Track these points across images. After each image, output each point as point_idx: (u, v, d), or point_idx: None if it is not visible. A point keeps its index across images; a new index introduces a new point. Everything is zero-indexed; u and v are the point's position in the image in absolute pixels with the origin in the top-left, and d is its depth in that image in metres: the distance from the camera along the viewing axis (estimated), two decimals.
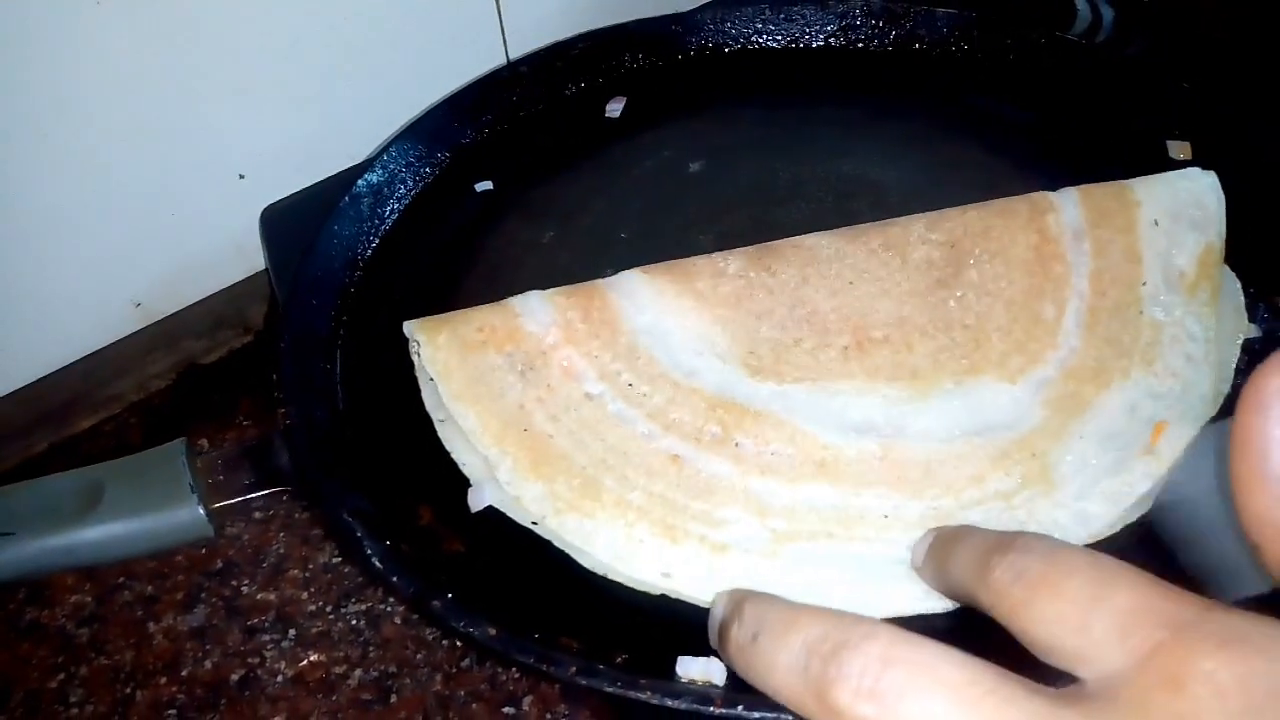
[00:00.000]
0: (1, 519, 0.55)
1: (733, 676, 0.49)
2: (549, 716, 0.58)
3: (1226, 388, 0.60)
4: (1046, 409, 0.59)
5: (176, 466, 0.57)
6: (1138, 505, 0.55)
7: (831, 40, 0.88)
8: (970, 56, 0.86)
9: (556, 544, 0.56)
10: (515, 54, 0.89)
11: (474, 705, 0.59)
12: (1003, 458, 0.57)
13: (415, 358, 0.65)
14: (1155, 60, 0.81)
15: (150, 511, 0.56)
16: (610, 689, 0.47)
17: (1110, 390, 0.59)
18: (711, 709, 0.47)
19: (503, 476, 0.57)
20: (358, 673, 0.61)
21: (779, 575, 0.53)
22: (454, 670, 0.61)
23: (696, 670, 0.50)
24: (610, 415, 0.59)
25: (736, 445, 0.57)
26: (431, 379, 0.62)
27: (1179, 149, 0.75)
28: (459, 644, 0.61)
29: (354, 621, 0.63)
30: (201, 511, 0.56)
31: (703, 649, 0.50)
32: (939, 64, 0.86)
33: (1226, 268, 0.65)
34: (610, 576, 0.54)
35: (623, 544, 0.55)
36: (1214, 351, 0.61)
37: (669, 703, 0.47)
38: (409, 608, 0.63)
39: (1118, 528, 0.54)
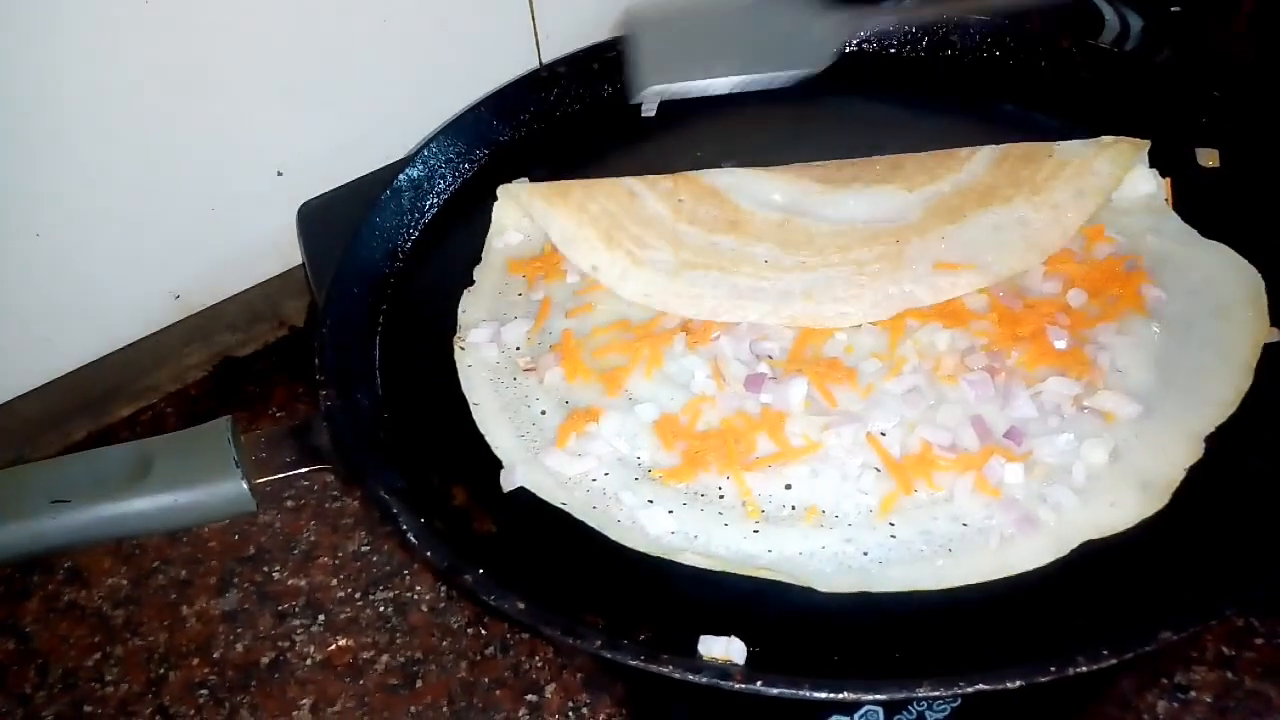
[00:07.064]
0: (59, 488, 0.56)
1: (752, 655, 0.51)
2: (571, 704, 0.59)
3: (1246, 385, 0.61)
4: (925, 212, 0.70)
5: (222, 443, 0.59)
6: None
7: (865, 45, 0.89)
8: (1001, 63, 0.86)
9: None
10: (548, 57, 0.90)
11: (497, 692, 0.60)
12: (872, 239, 0.70)
13: (457, 347, 0.68)
14: (1183, 68, 0.81)
15: (197, 485, 0.57)
16: (634, 663, 0.48)
17: (989, 211, 0.69)
18: (731, 684, 0.47)
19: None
20: (385, 658, 0.62)
21: (675, 290, 0.68)
22: (478, 658, 0.61)
23: (718, 649, 0.50)
24: (624, 191, 0.75)
25: (679, 201, 0.74)
26: (470, 365, 0.67)
27: (1207, 156, 0.75)
28: (484, 632, 0.62)
29: (382, 608, 0.64)
30: (245, 486, 0.58)
31: (724, 629, 0.52)
32: (970, 70, 0.87)
33: (1254, 271, 0.66)
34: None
35: (572, 230, 0.72)
36: (1237, 353, 0.62)
37: (690, 677, 0.48)
38: (441, 581, 0.64)
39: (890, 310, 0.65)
